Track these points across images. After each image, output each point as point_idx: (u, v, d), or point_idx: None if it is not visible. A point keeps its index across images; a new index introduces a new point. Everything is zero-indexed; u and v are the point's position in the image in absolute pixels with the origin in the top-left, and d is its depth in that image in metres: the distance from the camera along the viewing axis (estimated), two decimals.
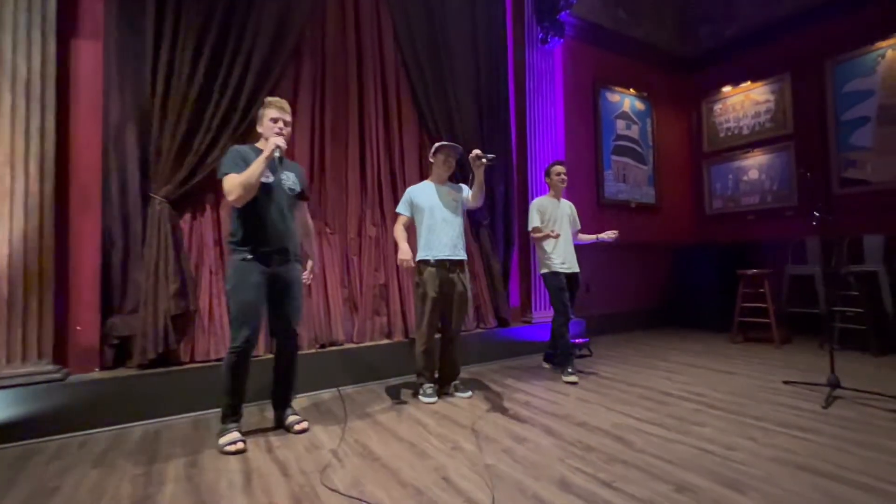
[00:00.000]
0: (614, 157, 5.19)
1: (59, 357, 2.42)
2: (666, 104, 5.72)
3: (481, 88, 4.00)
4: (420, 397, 2.74)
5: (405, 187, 3.49)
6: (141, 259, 2.62)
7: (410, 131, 3.67)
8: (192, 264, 2.77)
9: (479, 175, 2.62)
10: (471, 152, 2.56)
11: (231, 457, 1.97)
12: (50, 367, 2.33)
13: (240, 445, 2.03)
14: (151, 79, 2.65)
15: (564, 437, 2.12)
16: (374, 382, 3.14)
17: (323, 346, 3.08)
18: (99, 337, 2.55)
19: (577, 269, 3.29)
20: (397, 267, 3.47)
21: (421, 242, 2.79)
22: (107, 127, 2.59)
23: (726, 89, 5.50)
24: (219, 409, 2.17)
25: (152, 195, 2.64)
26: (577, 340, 3.83)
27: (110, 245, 2.59)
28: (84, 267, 2.54)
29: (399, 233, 2.76)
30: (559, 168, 3.35)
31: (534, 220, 3.29)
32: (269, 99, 2.26)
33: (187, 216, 2.79)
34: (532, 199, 4.18)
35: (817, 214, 2.76)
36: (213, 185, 2.87)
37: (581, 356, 3.81)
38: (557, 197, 3.39)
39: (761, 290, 4.21)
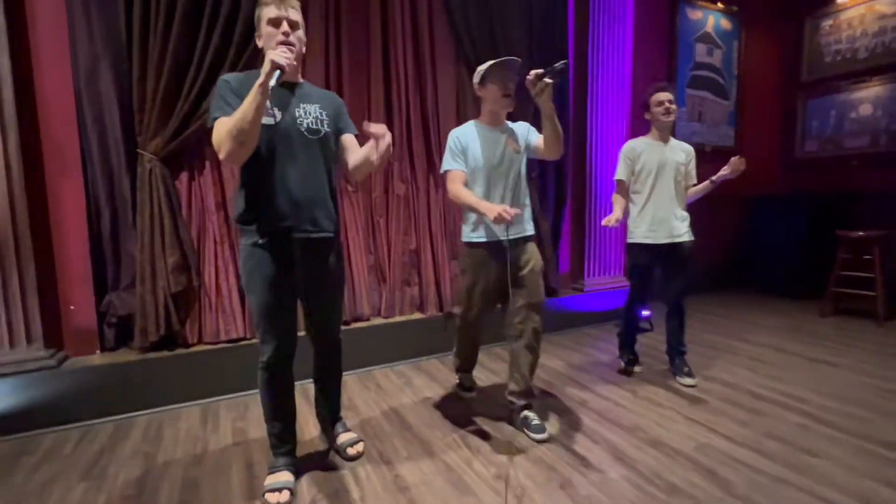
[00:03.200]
0: (690, 91, 4.33)
1: (55, 340, 2.16)
2: (759, 22, 4.65)
3: (534, 5, 3.21)
4: (459, 391, 2.36)
5: (439, 135, 2.94)
6: (133, 228, 2.27)
7: (446, 66, 3.00)
8: (194, 232, 2.40)
9: (545, 107, 1.68)
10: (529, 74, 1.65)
11: (232, 477, 1.67)
12: (41, 353, 2.07)
13: (284, 497, 1.50)
14: (125, 5, 2.14)
15: (638, 465, 1.69)
16: (405, 362, 2.78)
17: (346, 323, 2.71)
18: (96, 316, 2.27)
19: (679, 238, 2.32)
20: (429, 230, 2.99)
21: (468, 214, 1.95)
22: (76, 69, 2.13)
23: (842, 0, 4.38)
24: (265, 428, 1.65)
25: (140, 151, 2.22)
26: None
27: (96, 212, 2.23)
28: (70, 236, 2.19)
29: (462, 192, 1.85)
30: (662, 95, 2.28)
31: (619, 171, 2.41)
32: None
33: (184, 176, 2.37)
34: (592, 143, 3.54)
35: None
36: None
37: (642, 330, 3.30)
38: (664, 139, 2.36)
39: (867, 257, 3.49)
